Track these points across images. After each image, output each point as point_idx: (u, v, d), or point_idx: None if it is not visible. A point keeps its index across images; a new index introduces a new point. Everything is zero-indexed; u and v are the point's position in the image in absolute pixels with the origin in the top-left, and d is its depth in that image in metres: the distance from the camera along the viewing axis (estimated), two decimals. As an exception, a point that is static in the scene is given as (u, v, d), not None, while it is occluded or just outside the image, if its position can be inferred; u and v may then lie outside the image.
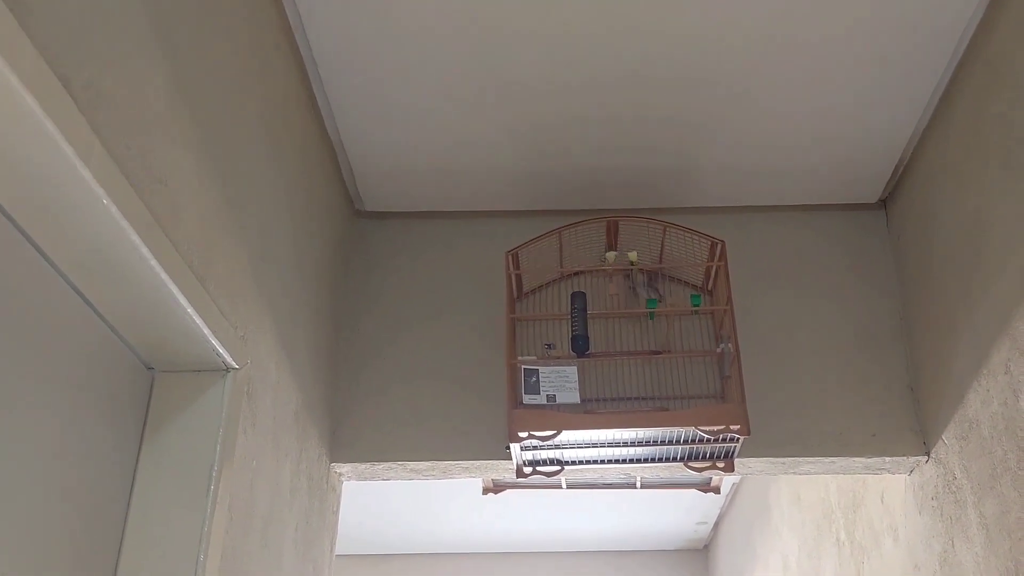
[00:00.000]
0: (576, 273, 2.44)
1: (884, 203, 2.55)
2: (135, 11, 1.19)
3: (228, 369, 1.51)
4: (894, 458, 2.26)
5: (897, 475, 2.39)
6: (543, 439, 2.02)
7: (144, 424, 1.45)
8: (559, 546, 5.34)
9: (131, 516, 1.39)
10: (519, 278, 2.35)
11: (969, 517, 2.01)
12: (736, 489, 4.40)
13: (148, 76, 1.23)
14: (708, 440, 2.08)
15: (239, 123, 1.61)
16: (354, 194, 2.50)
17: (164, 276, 1.23)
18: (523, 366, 2.12)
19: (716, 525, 5.06)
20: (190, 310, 1.31)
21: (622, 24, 1.96)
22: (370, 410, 2.33)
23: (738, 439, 2.07)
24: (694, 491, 4.36)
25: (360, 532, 5.05)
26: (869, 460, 2.27)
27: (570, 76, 2.10)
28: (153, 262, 1.18)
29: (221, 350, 1.45)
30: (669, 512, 4.87)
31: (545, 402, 2.06)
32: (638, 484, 2.86)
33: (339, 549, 5.07)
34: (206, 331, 1.39)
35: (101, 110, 1.08)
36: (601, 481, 3.06)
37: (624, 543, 5.32)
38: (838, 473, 2.37)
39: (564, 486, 2.61)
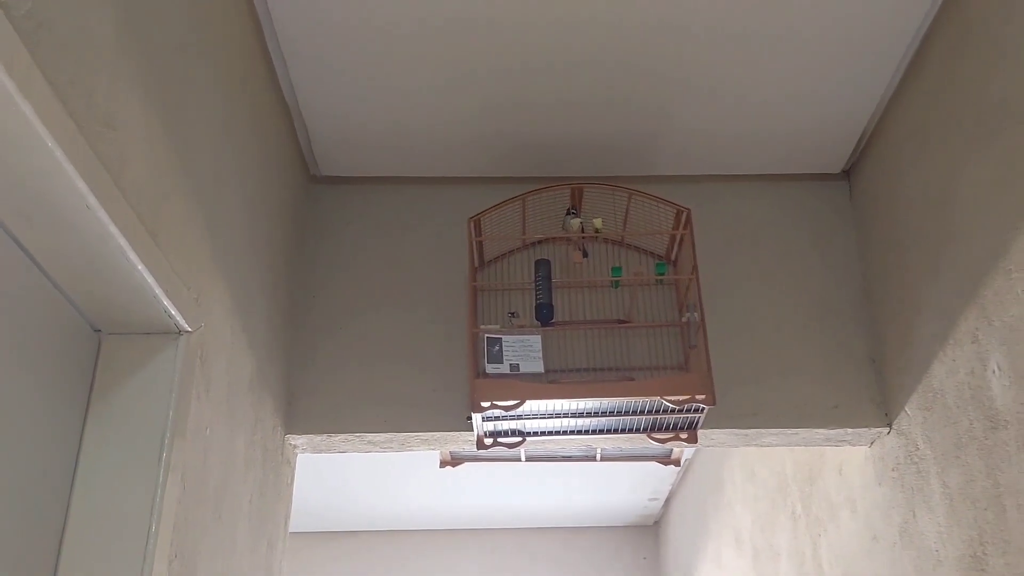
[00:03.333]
0: (540, 241, 2.38)
1: (847, 174, 2.53)
2: (81, -58, 1.11)
3: (180, 332, 1.43)
4: (856, 430, 2.25)
5: (856, 447, 2.39)
6: (506, 409, 1.97)
7: (91, 389, 1.37)
8: (512, 523, 5.32)
9: (77, 486, 1.31)
10: (481, 245, 2.29)
11: (932, 487, 2.00)
12: (688, 465, 4.40)
13: (97, 8, 1.14)
14: (673, 411, 2.04)
15: (193, 74, 1.52)
16: (309, 159, 2.42)
17: (112, 228, 1.15)
18: (486, 335, 2.06)
19: (667, 501, 5.06)
20: (140, 266, 1.23)
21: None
22: (326, 380, 2.26)
23: (703, 409, 2.04)
24: (646, 467, 4.35)
25: (316, 508, 4.97)
26: (831, 432, 2.26)
27: (535, 25, 2.03)
28: (100, 212, 1.10)
29: (173, 311, 1.38)
30: (621, 488, 4.87)
31: (508, 371, 2.01)
32: (598, 456, 2.82)
33: (294, 526, 4.99)
34: (157, 290, 1.31)
35: (44, 43, 0.99)
36: (561, 453, 3.02)
37: (575, 519, 5.31)
38: (800, 445, 2.35)
39: (523, 458, 2.56)
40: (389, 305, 2.35)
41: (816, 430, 2.26)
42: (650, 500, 5.08)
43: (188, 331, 1.44)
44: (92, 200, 1.07)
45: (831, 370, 2.31)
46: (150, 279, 1.28)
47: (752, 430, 2.25)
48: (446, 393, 2.24)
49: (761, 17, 1.99)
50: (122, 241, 1.17)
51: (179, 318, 1.40)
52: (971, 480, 1.84)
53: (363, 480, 4.64)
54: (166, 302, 1.35)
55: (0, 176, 1.03)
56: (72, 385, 1.34)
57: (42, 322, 1.25)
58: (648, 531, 5.46)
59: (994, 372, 1.76)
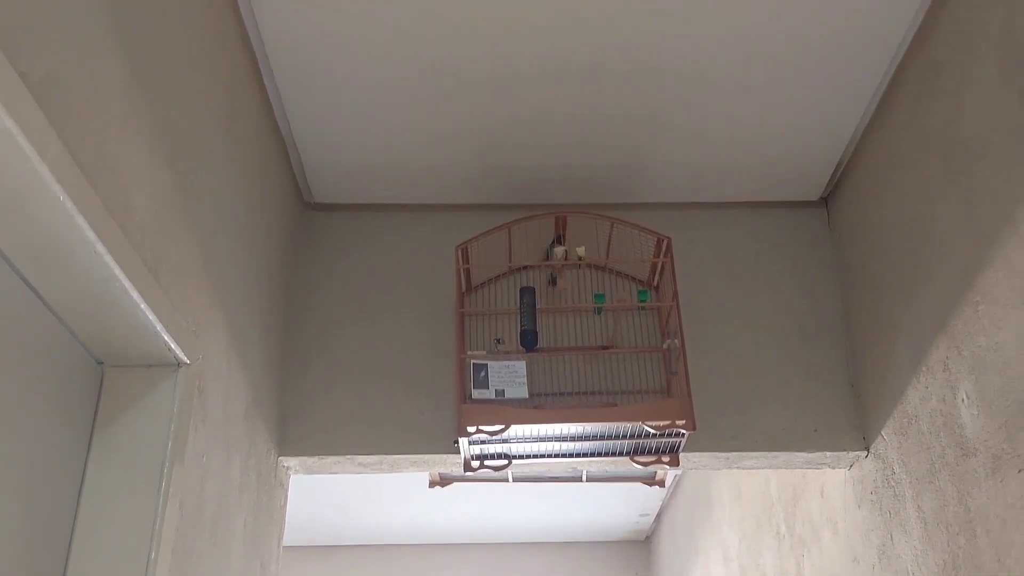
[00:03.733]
0: (525, 267, 2.45)
1: (825, 201, 2.60)
2: (90, 2, 1.17)
3: (179, 364, 1.49)
4: (835, 453, 2.32)
5: (837, 469, 2.45)
6: (491, 433, 2.03)
7: (94, 419, 1.43)
8: (505, 537, 5.37)
9: (81, 513, 1.37)
10: (468, 272, 2.36)
11: (907, 511, 2.07)
12: (678, 482, 4.46)
13: (104, 68, 1.21)
14: (654, 435, 2.11)
15: (193, 115, 1.59)
16: (304, 187, 2.48)
17: (116, 269, 1.21)
18: (472, 360, 2.13)
19: (658, 517, 5.12)
20: (142, 304, 1.30)
21: (570, 23, 1.98)
22: (319, 404, 2.32)
23: (683, 434, 2.11)
24: (637, 483, 4.41)
25: (309, 523, 5.02)
26: (810, 455, 2.33)
27: (520, 73, 2.11)
28: (107, 256, 1.17)
29: (173, 345, 1.44)
30: (612, 504, 4.92)
31: (494, 396, 2.08)
32: (584, 477, 2.88)
33: (287, 540, 5.04)
34: (158, 326, 1.37)
35: (59, 102, 1.06)
36: (548, 474, 3.08)
37: (568, 534, 5.37)
38: (780, 467, 2.41)
39: (511, 479, 2.62)
40: (380, 329, 2.42)
41: (796, 453, 2.32)
42: (641, 516, 5.14)
43: (187, 363, 1.50)
44: (100, 247, 1.14)
45: (810, 394, 2.37)
46: (151, 316, 1.34)
47: (733, 453, 2.31)
48: (435, 417, 2.31)
49: (743, 53, 2.07)
50: (126, 282, 1.23)
51: (178, 351, 1.46)
52: (944, 505, 1.91)
53: (356, 495, 4.70)
54: (166, 336, 1.41)
55: (13, 224, 1.09)
56: (76, 415, 1.40)
57: (48, 355, 1.31)
58: (640, 546, 5.51)
59: (963, 400, 1.83)
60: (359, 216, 2.57)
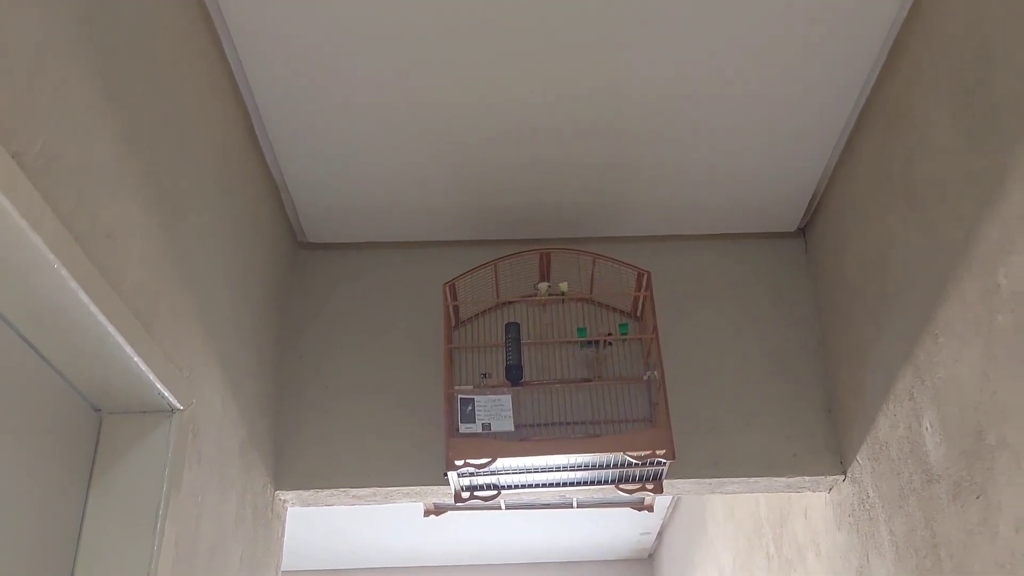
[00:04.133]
0: (511, 302, 2.53)
1: (803, 231, 2.69)
2: (81, 70, 1.26)
3: (173, 410, 1.57)
4: (814, 477, 2.39)
5: (818, 492, 2.52)
6: (479, 467, 2.11)
7: (92, 464, 1.52)
8: (507, 558, 5.43)
9: (81, 553, 1.45)
10: (456, 308, 2.44)
11: (881, 534, 2.14)
12: (676, 501, 4.53)
13: (97, 133, 1.30)
14: (637, 464, 2.19)
15: (185, 168, 1.68)
16: (296, 227, 2.57)
17: (110, 327, 1.30)
18: (459, 395, 2.21)
19: (659, 535, 5.18)
20: (136, 358, 1.38)
21: (551, 82, 2.08)
22: (313, 437, 2.40)
23: (665, 463, 2.18)
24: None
25: (306, 548, 5.09)
26: (791, 479, 2.40)
27: (503, 128, 2.21)
28: (100, 317, 1.25)
29: (166, 393, 1.52)
30: (614, 523, 4.98)
31: (480, 430, 2.15)
32: (575, 504, 2.96)
33: (285, 565, 5.10)
34: (151, 376, 1.46)
35: (52, 174, 1.15)
36: (539, 502, 3.15)
37: (571, 554, 5.43)
38: (762, 492, 2.49)
39: (503, 507, 2.69)
40: (371, 363, 2.50)
41: (776, 478, 2.39)
42: (642, 535, 5.20)
43: (180, 408, 1.59)
44: (94, 308, 1.23)
45: (789, 420, 2.44)
46: (144, 367, 1.43)
47: (715, 479, 2.38)
48: (426, 448, 2.38)
49: (714, 100, 2.16)
50: (119, 339, 1.32)
51: (171, 398, 1.55)
52: (913, 529, 1.98)
53: (353, 520, 4.76)
54: (159, 385, 1.50)
55: (12, 291, 1.18)
56: (76, 460, 1.48)
57: (47, 405, 1.39)
58: (643, 564, 5.57)
59: (927, 429, 1.90)
60: (350, 254, 2.66)
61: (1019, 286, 1.55)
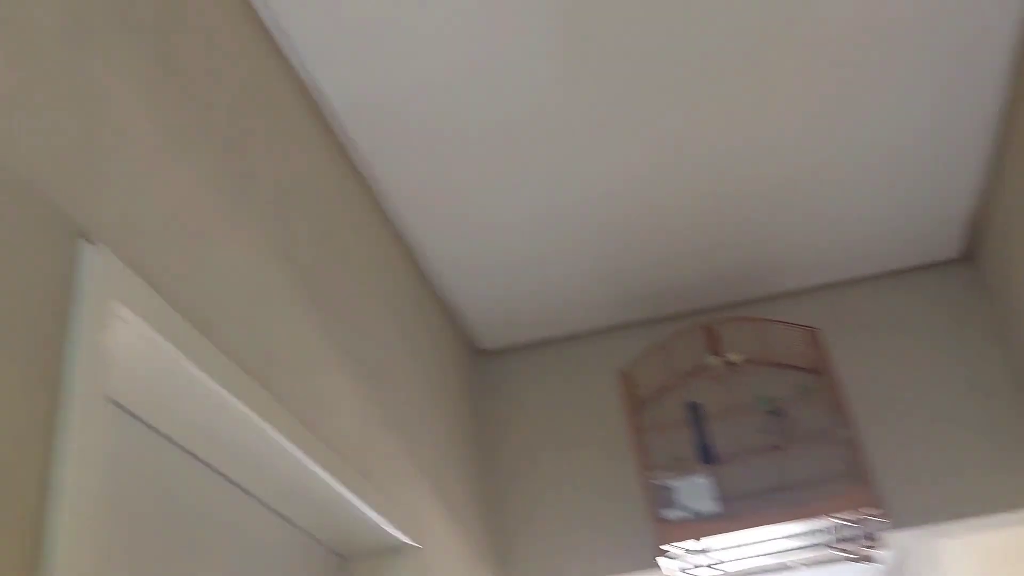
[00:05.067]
0: (686, 378, 2.59)
1: (970, 258, 2.64)
2: (301, 299, 1.46)
3: (409, 549, 1.73)
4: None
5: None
6: (687, 550, 2.17)
7: (346, 604, 1.68)
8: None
9: None
10: (635, 393, 2.53)
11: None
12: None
13: (310, 331, 1.49)
14: (849, 524, 2.19)
15: (376, 327, 1.87)
16: (473, 337, 2.74)
17: (345, 491, 1.47)
18: (659, 482, 2.28)
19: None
20: (371, 513, 1.55)
21: (703, 163, 2.18)
22: (532, 544, 2.51)
23: (878, 519, 2.17)
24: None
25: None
26: (1019, 514, 2.32)
27: (656, 208, 2.31)
28: (337, 486, 1.42)
29: (399, 534, 1.68)
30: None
31: (683, 515, 2.21)
32: (797, 567, 2.94)
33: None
34: (383, 523, 1.62)
35: (281, 379, 1.33)
36: (759, 570, 3.15)
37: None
38: (995, 528, 2.40)
39: (724, 578, 2.72)
40: (566, 459, 2.60)
41: (1001, 514, 2.32)
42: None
43: (417, 547, 1.75)
44: (330, 479, 1.40)
45: (997, 451, 2.38)
46: (380, 520, 1.59)
47: (940, 524, 2.32)
48: (636, 532, 2.45)
49: (856, 150, 2.19)
50: (352, 498, 1.49)
51: (405, 538, 1.71)
52: None
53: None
54: (391, 529, 1.66)
55: (265, 479, 1.37)
56: (329, 607, 1.65)
57: (293, 557, 1.57)
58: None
59: None
60: (525, 354, 2.79)
61: None
